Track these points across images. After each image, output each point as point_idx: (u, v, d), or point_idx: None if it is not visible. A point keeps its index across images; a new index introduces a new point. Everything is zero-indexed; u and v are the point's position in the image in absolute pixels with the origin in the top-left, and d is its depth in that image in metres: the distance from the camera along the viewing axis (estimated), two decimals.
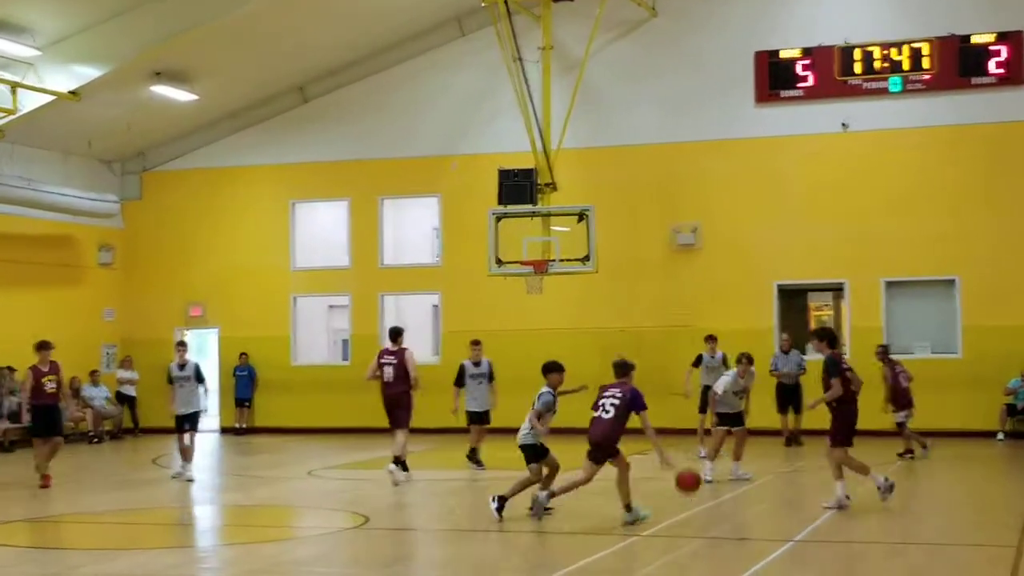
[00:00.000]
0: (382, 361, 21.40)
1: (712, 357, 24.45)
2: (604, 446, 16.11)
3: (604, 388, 16.69)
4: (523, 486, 16.88)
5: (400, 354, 21.31)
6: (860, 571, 12.99)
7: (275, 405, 32.19)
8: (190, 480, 21.49)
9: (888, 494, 17.03)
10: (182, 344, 23.10)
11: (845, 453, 16.99)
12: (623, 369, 16.92)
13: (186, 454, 21.95)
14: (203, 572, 13.56)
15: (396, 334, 21.74)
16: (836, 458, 16.97)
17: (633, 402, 16.23)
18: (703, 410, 23.97)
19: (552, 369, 17.53)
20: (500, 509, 16.17)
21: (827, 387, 17.07)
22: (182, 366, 22.20)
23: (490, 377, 23.21)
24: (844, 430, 17.08)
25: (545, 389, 17.36)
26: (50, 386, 20.92)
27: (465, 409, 23.30)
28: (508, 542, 15.13)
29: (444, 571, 13.46)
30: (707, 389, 23.76)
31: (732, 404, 20.43)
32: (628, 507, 15.79)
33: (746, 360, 20.72)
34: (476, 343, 23.51)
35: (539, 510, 16.17)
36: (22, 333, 30.25)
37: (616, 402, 16.23)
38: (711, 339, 24.63)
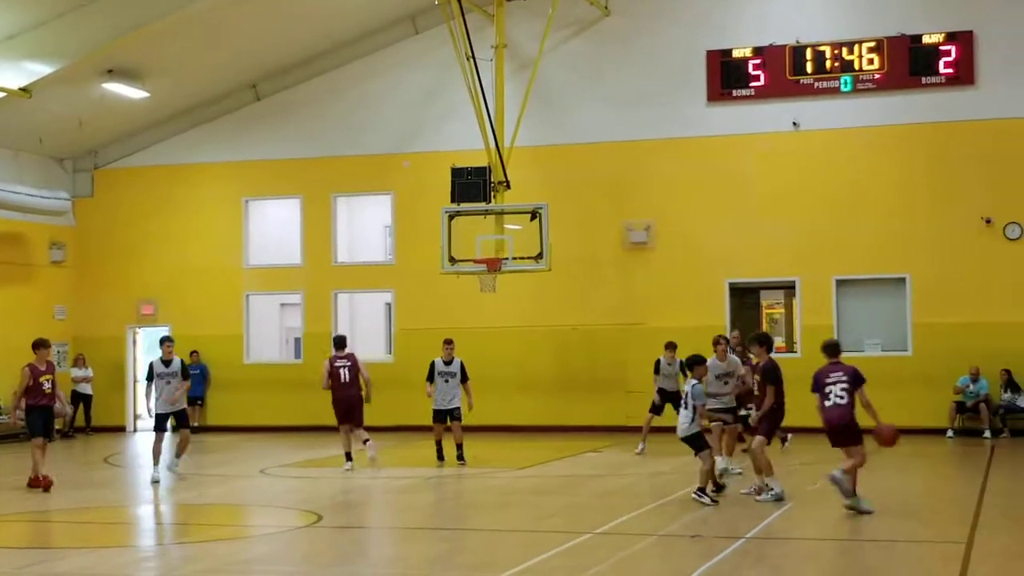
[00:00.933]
0: (337, 365, 21.76)
1: (669, 364, 24.44)
2: (847, 429, 16.58)
3: (823, 373, 17.01)
4: (708, 475, 17.48)
5: (351, 357, 22.19)
6: (812, 568, 13.06)
7: (227, 403, 32.07)
8: (178, 474, 21.50)
9: (758, 496, 17.43)
10: (168, 340, 22.40)
11: (762, 446, 17.35)
12: (836, 349, 17.41)
13: (183, 448, 21.78)
14: (154, 572, 13.50)
15: (342, 342, 22.47)
16: (755, 447, 17.38)
17: (855, 379, 16.75)
18: (655, 411, 24.20)
19: (697, 362, 18.26)
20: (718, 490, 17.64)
21: (763, 393, 17.40)
22: (167, 362, 21.63)
23: (463, 377, 23.43)
24: (769, 428, 17.53)
25: (692, 381, 17.94)
26: (47, 386, 20.48)
27: (432, 406, 23.41)
28: (460, 540, 15.15)
29: (395, 569, 13.46)
30: (661, 392, 23.94)
31: (720, 393, 20.27)
32: (853, 493, 16.11)
33: (724, 341, 20.92)
34: (448, 342, 23.72)
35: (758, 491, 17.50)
36: None
37: (846, 386, 16.72)
38: (671, 346, 24.60)
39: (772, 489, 17.41)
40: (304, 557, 14.22)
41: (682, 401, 18.07)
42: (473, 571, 12.90)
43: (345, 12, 30.61)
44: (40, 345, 20.74)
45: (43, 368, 20.54)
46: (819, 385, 16.97)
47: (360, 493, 19.73)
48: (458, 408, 23.28)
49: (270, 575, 13.14)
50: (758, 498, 17.48)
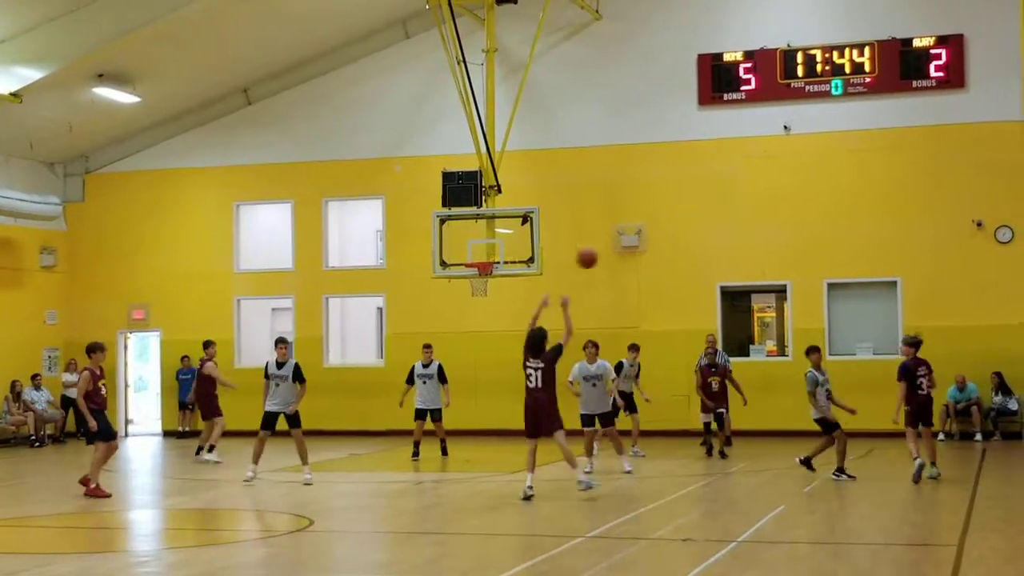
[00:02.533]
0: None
1: (631, 365, 24.86)
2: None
3: (915, 365, 20.55)
4: (842, 454, 20.54)
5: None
6: (804, 571, 13.04)
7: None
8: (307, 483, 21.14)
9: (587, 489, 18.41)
10: (283, 341, 22.06)
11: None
12: (919, 345, 20.86)
13: (303, 452, 21.64)
14: None
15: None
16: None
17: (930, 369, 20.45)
18: (631, 410, 24.84)
19: (812, 351, 21.10)
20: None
21: None
22: (281, 364, 21.63)
23: (441, 378, 24.76)
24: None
25: (808, 370, 20.89)
26: (104, 390, 20.34)
27: (415, 406, 24.81)
28: (450, 544, 15.12)
29: (385, 573, 13.43)
30: (620, 394, 24.17)
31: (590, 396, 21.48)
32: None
33: (593, 345, 22.07)
34: (427, 347, 24.99)
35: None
36: None
37: (930, 373, 20.65)
38: (634, 348, 25.01)
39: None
40: (296, 562, 14.19)
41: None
42: (464, 575, 12.89)
43: (336, 16, 30.59)
44: (97, 349, 20.24)
45: (99, 372, 20.20)
46: (910, 375, 20.40)
47: (351, 497, 19.70)
48: (439, 409, 24.80)
49: None
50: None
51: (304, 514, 17.14)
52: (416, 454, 24.43)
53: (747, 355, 29.41)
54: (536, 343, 19.38)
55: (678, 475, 21.88)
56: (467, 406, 29.74)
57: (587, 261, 20.66)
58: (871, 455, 24.56)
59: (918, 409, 20.55)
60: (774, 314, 31.42)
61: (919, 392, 20.49)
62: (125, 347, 33.62)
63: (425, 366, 24.79)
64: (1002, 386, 27.63)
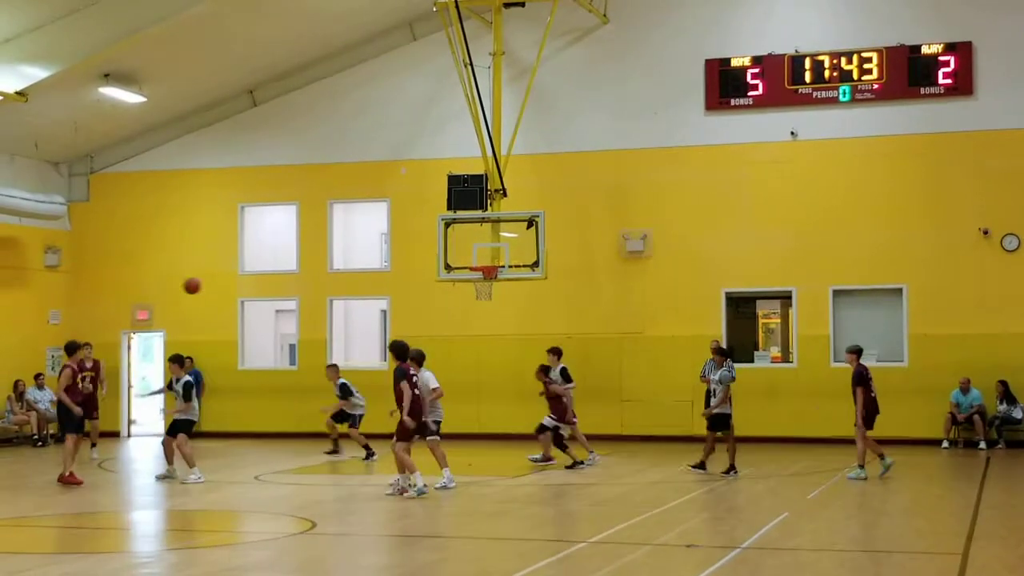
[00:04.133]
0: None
1: (553, 371, 24.69)
2: None
3: (865, 370, 21.61)
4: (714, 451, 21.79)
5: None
6: None
7: (222, 409, 31.95)
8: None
9: (398, 493, 18.99)
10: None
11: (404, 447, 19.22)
12: (861, 352, 21.89)
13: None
14: None
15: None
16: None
17: None
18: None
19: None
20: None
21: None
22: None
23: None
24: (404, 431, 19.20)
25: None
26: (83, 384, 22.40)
27: None
28: (452, 548, 15.08)
29: None
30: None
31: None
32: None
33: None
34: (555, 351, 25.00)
35: None
36: None
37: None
38: (555, 352, 24.85)
39: (415, 485, 18.99)
40: (298, 564, 14.16)
41: None
42: None
43: (343, 18, 30.56)
44: (77, 347, 22.42)
45: (76, 368, 22.14)
46: (865, 380, 21.42)
47: (354, 500, 19.66)
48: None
49: None
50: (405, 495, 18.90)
51: (306, 517, 17.10)
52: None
53: (751, 361, 29.32)
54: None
55: (681, 481, 21.82)
56: (470, 410, 29.73)
57: (191, 289, 23.05)
58: (874, 462, 24.45)
59: (874, 411, 21.64)
60: (779, 320, 31.37)
61: (872, 395, 21.63)
62: (128, 347, 33.57)
63: None
64: (1007, 395, 27.54)
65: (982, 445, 27.18)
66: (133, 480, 23.09)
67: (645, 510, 17.77)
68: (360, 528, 17.30)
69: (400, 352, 19.44)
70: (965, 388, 27.43)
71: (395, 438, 19.22)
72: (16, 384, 30.56)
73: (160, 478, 22.27)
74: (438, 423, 20.86)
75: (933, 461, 25.35)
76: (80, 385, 22.29)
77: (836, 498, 19.42)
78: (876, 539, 15.33)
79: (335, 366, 27.01)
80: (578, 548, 14.50)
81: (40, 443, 30.13)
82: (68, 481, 21.06)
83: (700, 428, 27.27)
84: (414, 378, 19.42)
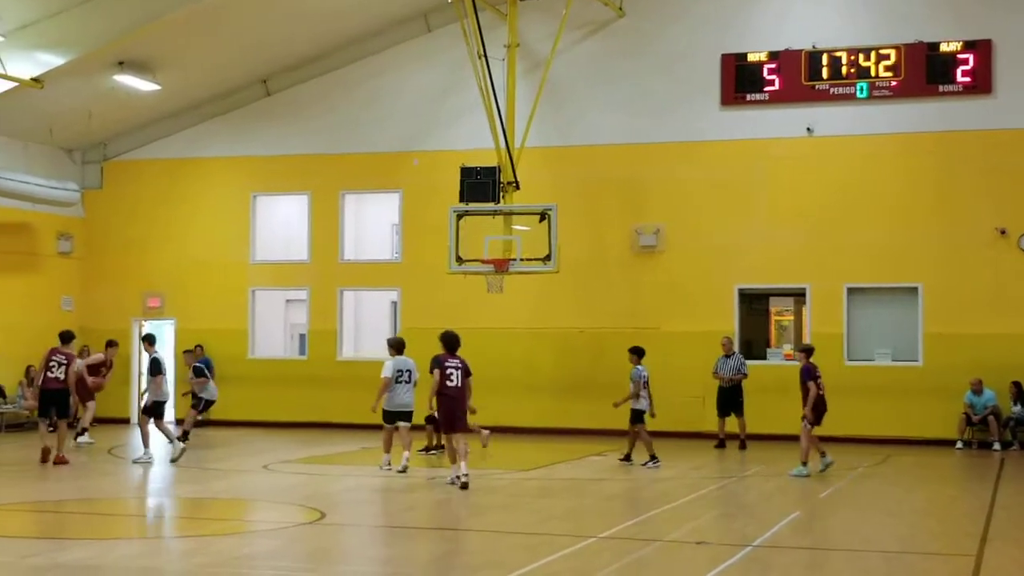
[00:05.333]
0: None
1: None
2: None
3: (813, 368, 21.78)
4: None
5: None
6: None
7: (231, 398, 31.80)
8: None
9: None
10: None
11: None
12: (811, 351, 22.34)
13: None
14: (156, 564, 13.37)
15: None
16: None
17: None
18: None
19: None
20: None
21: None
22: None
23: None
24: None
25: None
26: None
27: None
28: (462, 540, 15.02)
29: (396, 568, 13.32)
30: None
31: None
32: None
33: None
34: None
35: None
36: None
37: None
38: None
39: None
40: (306, 554, 14.11)
41: None
42: (475, 572, 12.78)
43: (357, 8, 30.50)
44: (71, 338, 23.87)
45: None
46: (814, 376, 21.56)
47: (363, 491, 19.60)
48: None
49: (272, 571, 13.00)
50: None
51: (315, 506, 17.05)
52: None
53: (764, 358, 29.20)
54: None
55: (691, 477, 21.75)
56: (480, 403, 29.55)
57: None
58: (887, 462, 24.39)
59: (822, 408, 21.66)
60: (792, 317, 31.25)
61: (821, 393, 21.68)
62: (139, 335, 33.49)
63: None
64: (1021, 396, 27.38)
65: (996, 446, 27.04)
66: (143, 467, 23.01)
67: (655, 506, 17.71)
68: (369, 519, 17.25)
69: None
70: (977, 389, 27.27)
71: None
72: (28, 370, 30.56)
73: (136, 461, 23.11)
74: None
75: (947, 462, 25.22)
76: (52, 374, 22.90)
77: (848, 497, 19.33)
78: (888, 539, 15.23)
79: (191, 350, 28.02)
80: (588, 543, 14.41)
81: (51, 428, 30.00)
82: (60, 461, 22.39)
83: (711, 424, 27.36)
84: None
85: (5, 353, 30.32)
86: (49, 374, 22.92)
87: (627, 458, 23.20)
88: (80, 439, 25.56)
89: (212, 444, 27.43)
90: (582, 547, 14.13)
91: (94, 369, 26.11)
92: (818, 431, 21.67)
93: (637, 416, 23.03)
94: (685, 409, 28.69)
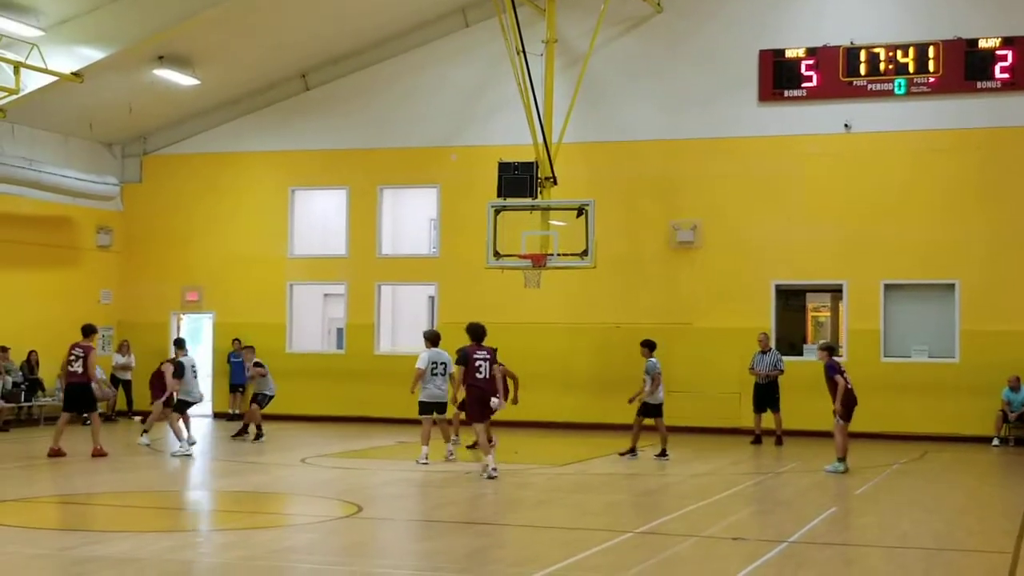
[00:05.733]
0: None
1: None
2: None
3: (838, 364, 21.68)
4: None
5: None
6: (856, 574, 12.91)
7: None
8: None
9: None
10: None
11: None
12: (832, 350, 22.21)
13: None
14: (197, 558, 13.48)
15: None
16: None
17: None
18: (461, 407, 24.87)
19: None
20: None
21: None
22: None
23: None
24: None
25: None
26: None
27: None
28: (499, 535, 15.06)
29: (433, 562, 13.38)
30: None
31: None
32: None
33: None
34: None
35: None
36: (19, 313, 30.37)
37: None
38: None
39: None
40: (343, 548, 14.19)
41: None
42: (512, 567, 12.82)
43: (396, 4, 30.61)
44: (93, 331, 23.77)
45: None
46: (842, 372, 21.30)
47: (400, 485, 19.67)
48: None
49: (309, 565, 13.09)
50: None
51: (352, 500, 17.13)
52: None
53: (800, 354, 29.15)
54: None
55: (727, 473, 21.75)
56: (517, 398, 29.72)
57: None
58: (924, 459, 24.33)
59: (853, 403, 21.51)
60: (829, 314, 31.17)
61: (848, 388, 21.41)
62: (178, 328, 33.71)
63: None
64: None
65: None
66: (183, 461, 23.17)
67: (691, 502, 17.71)
68: (406, 513, 17.33)
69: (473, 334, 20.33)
70: (1015, 386, 27.17)
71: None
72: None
73: (173, 455, 23.37)
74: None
75: (984, 459, 25.14)
76: (71, 368, 23.13)
77: (884, 494, 19.29)
78: (925, 536, 15.22)
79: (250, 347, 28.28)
80: (624, 538, 14.46)
81: (89, 422, 30.24)
82: (97, 454, 22.68)
83: (748, 420, 27.35)
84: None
85: (44, 347, 30.51)
86: (69, 368, 23.18)
87: (632, 452, 23.39)
88: (142, 439, 25.23)
89: (250, 437, 27.55)
90: (618, 542, 14.18)
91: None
92: (851, 428, 21.64)
93: (655, 410, 23.25)
94: (722, 405, 28.70)
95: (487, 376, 19.95)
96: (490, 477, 19.43)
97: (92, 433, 23.06)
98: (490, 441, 20.77)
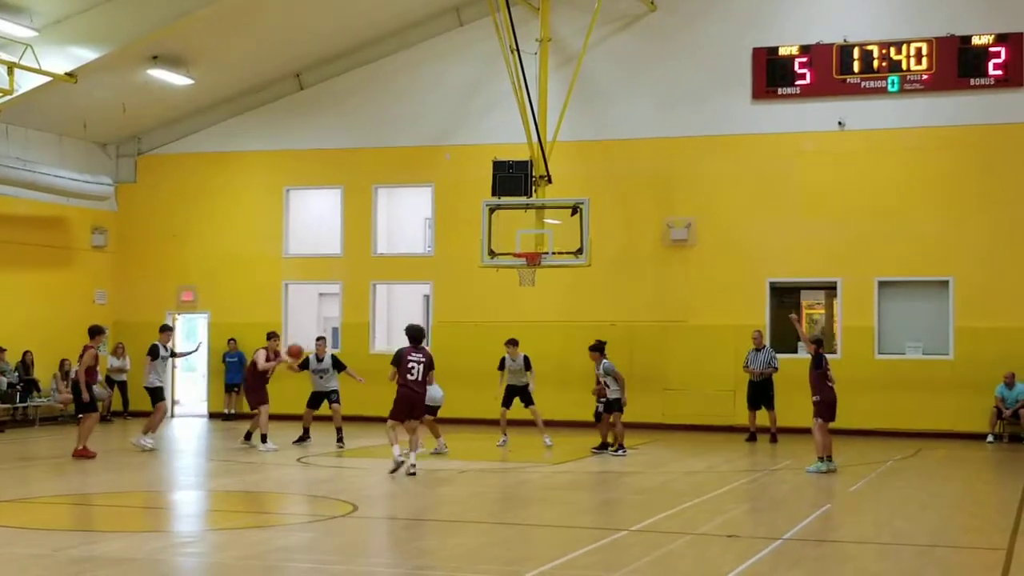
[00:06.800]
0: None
1: (513, 360, 25.12)
2: None
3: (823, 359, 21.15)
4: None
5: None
6: (850, 571, 12.93)
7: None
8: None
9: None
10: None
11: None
12: (822, 343, 21.78)
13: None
14: (190, 557, 13.49)
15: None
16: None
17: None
18: (506, 404, 25.18)
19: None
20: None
21: None
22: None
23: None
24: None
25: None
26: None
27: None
28: (494, 533, 15.06)
29: (428, 561, 13.39)
30: (511, 388, 25.03)
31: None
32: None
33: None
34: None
35: None
36: (14, 314, 30.36)
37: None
38: (512, 343, 25.22)
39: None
40: (339, 547, 14.18)
41: None
42: (508, 565, 12.84)
43: (390, 2, 30.62)
44: (99, 332, 23.07)
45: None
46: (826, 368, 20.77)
47: (395, 484, 19.67)
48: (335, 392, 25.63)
49: (305, 564, 13.09)
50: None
51: (347, 500, 17.14)
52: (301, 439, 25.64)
53: (795, 352, 29.15)
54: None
55: (721, 471, 21.77)
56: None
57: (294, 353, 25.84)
58: (918, 455, 24.37)
59: (833, 402, 21.12)
60: (823, 311, 31.20)
61: (829, 385, 21.05)
62: (173, 328, 33.64)
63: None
64: None
65: None
66: (177, 460, 23.21)
67: (686, 499, 17.73)
68: (401, 512, 17.32)
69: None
70: (1010, 383, 27.23)
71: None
72: (62, 363, 30.75)
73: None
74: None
75: (978, 455, 25.17)
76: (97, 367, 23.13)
77: (879, 491, 19.31)
78: (919, 533, 15.25)
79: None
80: (619, 536, 14.48)
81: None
82: (80, 455, 22.31)
83: (742, 418, 27.37)
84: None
85: (39, 347, 30.53)
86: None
87: (603, 447, 23.79)
88: (265, 446, 24.41)
89: (242, 437, 27.55)
90: (613, 540, 14.20)
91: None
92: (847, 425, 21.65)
93: (617, 405, 23.53)
94: (716, 403, 28.74)
95: (418, 378, 19.96)
96: (411, 474, 19.55)
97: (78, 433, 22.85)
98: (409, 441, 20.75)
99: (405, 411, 19.94)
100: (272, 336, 26.25)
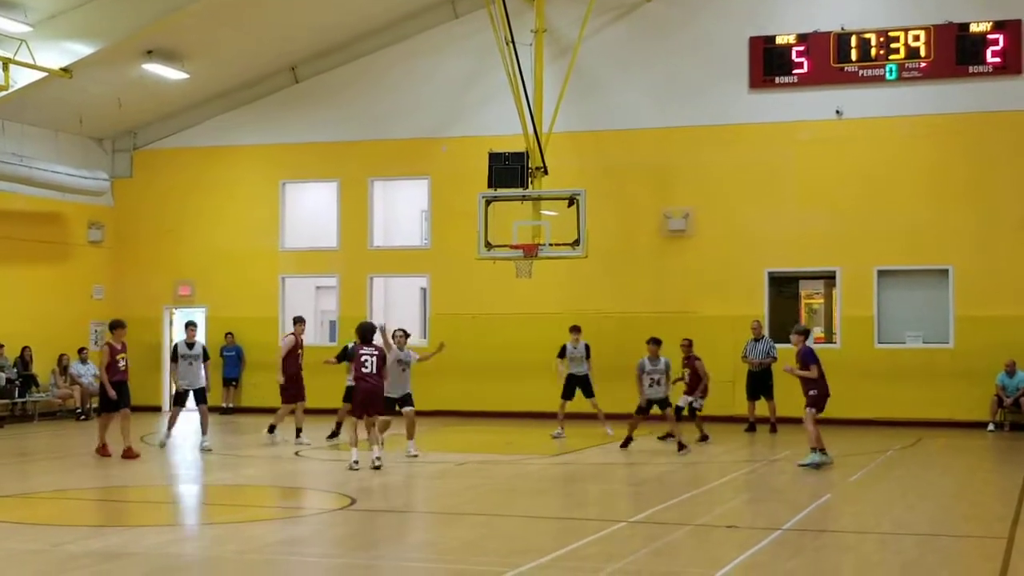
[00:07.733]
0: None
1: (575, 348, 25.29)
2: None
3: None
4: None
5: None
6: (851, 561, 12.88)
7: (262, 385, 31.97)
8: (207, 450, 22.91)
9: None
10: (192, 324, 23.93)
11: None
12: (807, 334, 21.43)
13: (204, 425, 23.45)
14: (189, 551, 13.45)
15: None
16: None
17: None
18: (567, 396, 25.23)
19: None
20: None
21: None
22: (191, 344, 23.34)
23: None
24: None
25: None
26: (123, 363, 21.96)
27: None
28: (493, 525, 15.02)
29: (428, 553, 13.35)
30: (571, 377, 24.93)
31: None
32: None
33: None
34: (575, 329, 25.60)
35: None
36: (12, 309, 30.32)
37: None
38: (575, 330, 25.43)
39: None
40: (337, 540, 14.15)
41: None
42: (507, 557, 12.77)
43: None
44: (116, 326, 22.24)
45: (119, 347, 21.93)
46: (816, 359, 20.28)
47: (393, 477, 19.63)
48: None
49: (304, 558, 13.05)
50: None
51: (346, 493, 17.09)
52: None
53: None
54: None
55: (721, 462, 21.72)
56: (510, 388, 29.76)
57: None
58: (918, 444, 24.32)
59: (826, 393, 20.69)
60: (822, 301, 31.15)
61: (810, 377, 20.49)
62: (170, 323, 33.68)
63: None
64: None
65: None
66: (174, 454, 23.15)
67: (685, 490, 17.70)
68: (399, 505, 17.28)
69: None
70: (1011, 370, 27.19)
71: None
72: (60, 358, 30.75)
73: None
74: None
75: (979, 444, 25.13)
76: (121, 364, 22.01)
77: (878, 480, 19.28)
78: (919, 522, 15.21)
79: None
80: (618, 527, 14.44)
81: (83, 417, 30.26)
82: (103, 453, 21.90)
83: (741, 408, 27.31)
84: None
85: (37, 343, 30.49)
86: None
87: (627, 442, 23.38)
88: (299, 439, 24.17)
89: (244, 430, 27.56)
90: (613, 531, 14.15)
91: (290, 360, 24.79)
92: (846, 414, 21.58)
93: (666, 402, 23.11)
94: (715, 393, 28.55)
95: (373, 371, 19.93)
96: (376, 468, 19.54)
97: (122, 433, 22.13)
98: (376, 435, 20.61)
99: (364, 405, 20.05)
100: (299, 320, 25.44)
